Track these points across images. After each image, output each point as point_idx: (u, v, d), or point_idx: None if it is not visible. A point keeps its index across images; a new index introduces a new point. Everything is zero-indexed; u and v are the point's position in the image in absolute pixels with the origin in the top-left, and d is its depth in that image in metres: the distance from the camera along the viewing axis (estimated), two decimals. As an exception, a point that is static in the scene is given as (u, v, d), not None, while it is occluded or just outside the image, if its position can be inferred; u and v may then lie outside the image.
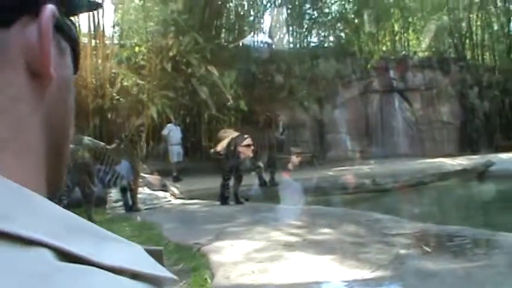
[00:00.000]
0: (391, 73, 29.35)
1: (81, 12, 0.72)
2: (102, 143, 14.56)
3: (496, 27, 32.95)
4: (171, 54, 21.68)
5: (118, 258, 0.48)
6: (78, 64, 0.67)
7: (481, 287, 4.81)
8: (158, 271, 0.52)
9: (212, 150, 13.80)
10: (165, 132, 19.92)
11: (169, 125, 20.27)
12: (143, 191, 14.17)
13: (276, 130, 15.56)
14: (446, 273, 5.20)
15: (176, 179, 19.08)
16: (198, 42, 21.77)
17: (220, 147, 13.04)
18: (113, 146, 12.50)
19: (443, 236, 7.13)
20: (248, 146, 12.89)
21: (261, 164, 14.14)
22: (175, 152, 19.85)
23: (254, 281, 4.96)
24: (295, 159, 17.96)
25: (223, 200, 12.55)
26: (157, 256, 0.57)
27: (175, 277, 0.55)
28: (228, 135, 13.41)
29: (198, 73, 21.49)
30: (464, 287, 4.82)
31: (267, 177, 15.29)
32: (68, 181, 10.91)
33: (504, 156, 21.49)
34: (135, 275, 0.49)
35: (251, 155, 13.16)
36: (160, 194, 14.67)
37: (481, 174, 18.33)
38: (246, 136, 13.13)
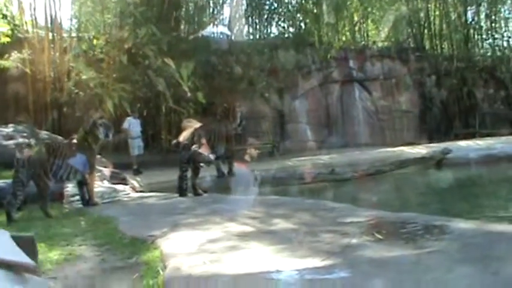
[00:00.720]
0: (351, 63, 29.56)
1: None
2: (60, 137, 14.36)
3: (453, 17, 33.32)
4: (126, 46, 21.49)
5: None
6: None
7: (431, 271, 4.85)
8: (17, 257, 0.50)
9: (174, 141, 13.72)
10: (125, 125, 19.76)
11: (129, 118, 20.12)
12: (102, 185, 14.04)
13: (234, 121, 15.51)
14: (397, 259, 5.24)
15: (137, 172, 18.98)
16: (154, 34, 21.60)
17: (183, 137, 12.98)
18: (69, 140, 12.39)
19: (397, 223, 7.17)
20: (205, 139, 12.86)
21: (213, 156, 14.04)
22: (136, 145, 19.74)
23: (205, 271, 4.95)
24: (253, 150, 17.98)
25: (181, 192, 12.53)
26: (28, 243, 0.54)
27: (33, 263, 0.53)
28: (192, 125, 13.36)
29: (155, 65, 21.34)
30: (414, 272, 4.86)
31: (225, 168, 15.26)
32: (22, 176, 10.79)
33: (462, 143, 21.81)
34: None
35: (209, 150, 13.13)
36: (120, 187, 14.56)
37: (439, 161, 18.65)
38: (207, 128, 13.11)
